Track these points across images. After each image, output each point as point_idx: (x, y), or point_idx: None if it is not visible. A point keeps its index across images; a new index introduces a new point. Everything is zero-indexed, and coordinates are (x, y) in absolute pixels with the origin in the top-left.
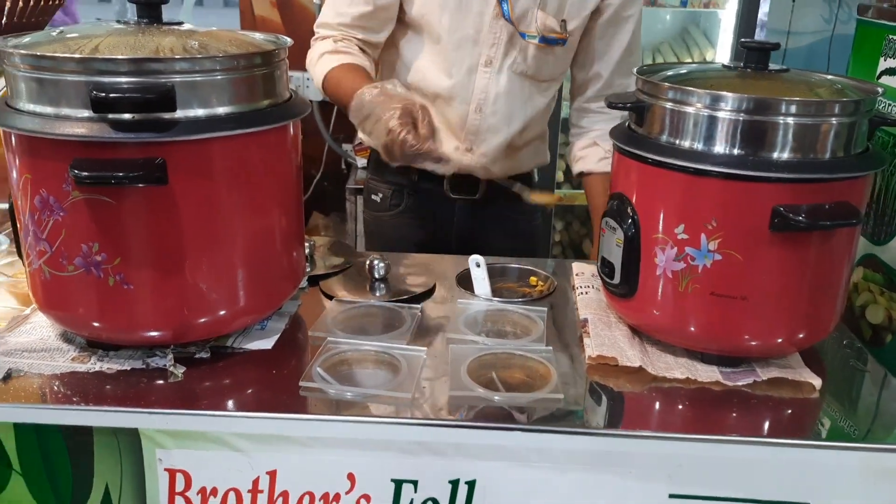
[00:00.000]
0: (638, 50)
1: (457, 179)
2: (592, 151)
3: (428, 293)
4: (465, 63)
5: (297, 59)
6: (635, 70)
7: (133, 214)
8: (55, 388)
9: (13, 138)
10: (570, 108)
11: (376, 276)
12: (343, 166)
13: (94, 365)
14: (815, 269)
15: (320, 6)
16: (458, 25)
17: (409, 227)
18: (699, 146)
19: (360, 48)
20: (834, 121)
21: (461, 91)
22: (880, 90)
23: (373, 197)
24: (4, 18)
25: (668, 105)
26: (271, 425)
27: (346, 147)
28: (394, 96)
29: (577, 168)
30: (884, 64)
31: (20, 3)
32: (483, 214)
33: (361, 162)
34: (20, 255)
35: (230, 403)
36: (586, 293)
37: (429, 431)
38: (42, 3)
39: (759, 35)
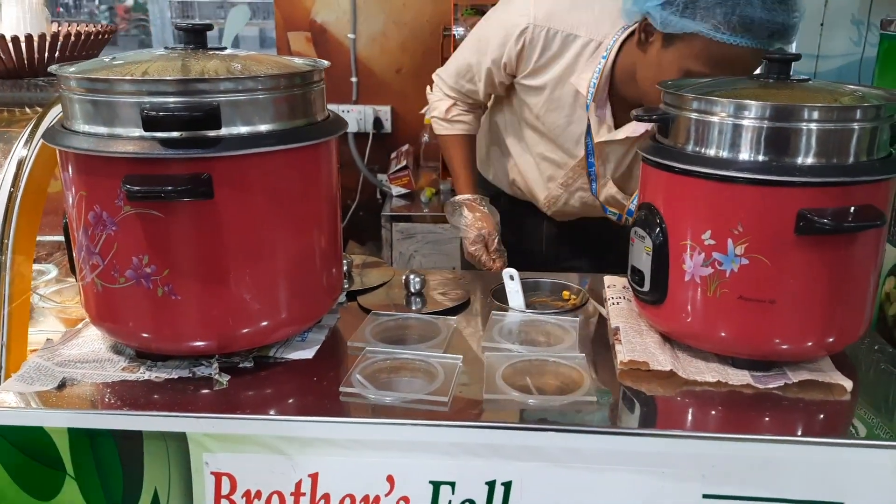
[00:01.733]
0: None
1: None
2: None
3: (463, 306)
4: (546, 172)
5: (333, 94)
6: (659, 84)
7: (181, 227)
8: (106, 395)
9: (69, 158)
10: None
11: (412, 290)
12: (378, 196)
13: (142, 374)
14: (842, 271)
15: (354, 41)
16: (550, 150)
17: (502, 232)
18: (724, 154)
19: (470, 107)
20: (856, 126)
21: (537, 186)
22: None
23: None
24: (57, 52)
25: (693, 115)
26: (313, 428)
27: (381, 177)
28: (475, 217)
29: None
30: None
31: (71, 38)
32: (572, 232)
33: (396, 190)
34: (73, 272)
35: (273, 409)
36: (618, 304)
37: (465, 433)
38: (93, 37)
39: None
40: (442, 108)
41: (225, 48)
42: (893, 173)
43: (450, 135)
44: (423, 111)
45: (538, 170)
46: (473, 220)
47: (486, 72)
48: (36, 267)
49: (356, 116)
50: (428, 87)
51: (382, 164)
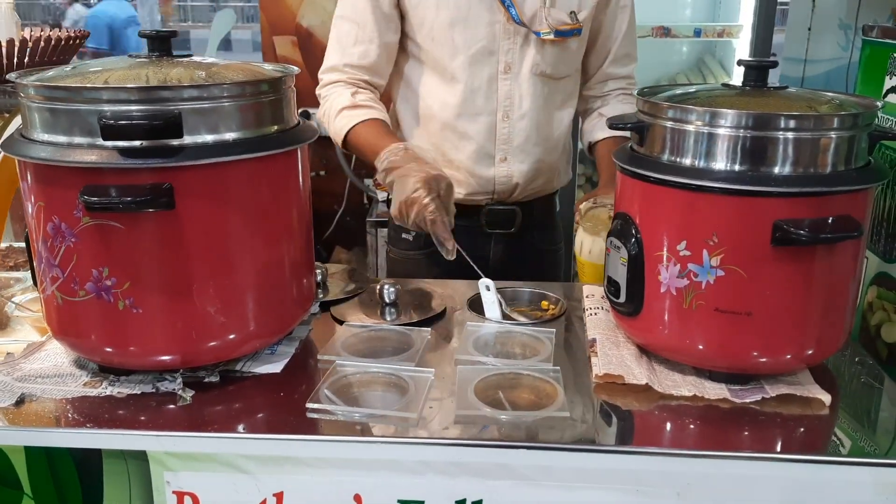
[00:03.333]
0: (634, 34)
1: (493, 214)
2: (597, 122)
3: (438, 316)
4: (484, 75)
5: (317, 98)
6: (636, 92)
7: (142, 239)
8: (66, 412)
9: (28, 167)
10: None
11: (387, 300)
12: (365, 201)
13: (105, 389)
14: (820, 283)
15: None
16: (473, 40)
17: (444, 265)
18: (699, 163)
19: (373, 90)
20: (833, 135)
21: (485, 103)
22: (879, 104)
23: (403, 236)
24: (27, 58)
25: (669, 124)
26: (277, 446)
27: (368, 182)
28: (425, 161)
29: (585, 142)
30: (889, 82)
31: (41, 44)
32: (518, 248)
33: (382, 195)
34: (35, 284)
35: (238, 426)
36: (595, 314)
37: (434, 451)
38: (63, 42)
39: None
40: (346, 95)
41: (191, 55)
42: (872, 183)
43: (364, 120)
44: (318, 114)
45: (472, 86)
46: (419, 167)
47: (370, 5)
48: (13, 275)
49: None
50: (318, 92)
51: (369, 170)
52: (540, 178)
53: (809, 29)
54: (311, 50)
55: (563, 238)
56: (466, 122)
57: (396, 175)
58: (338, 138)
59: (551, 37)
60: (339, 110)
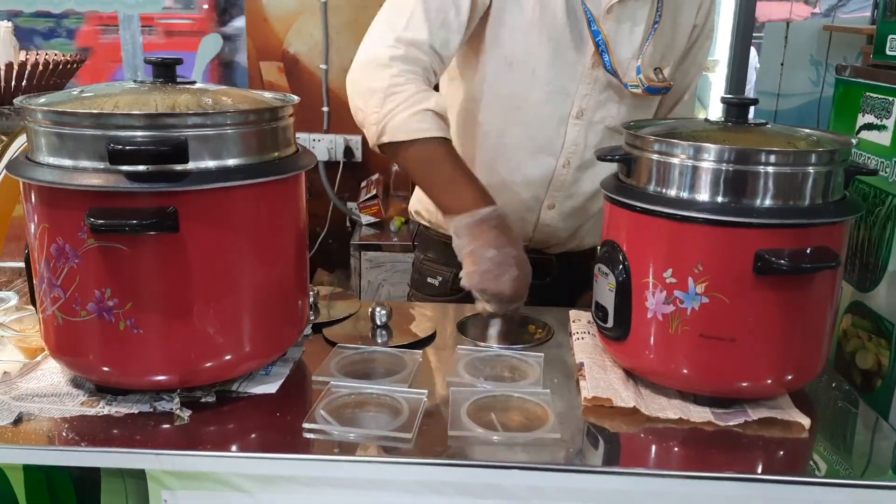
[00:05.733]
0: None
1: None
2: None
3: (428, 339)
4: (554, 115)
5: (305, 123)
6: (622, 125)
7: (145, 261)
8: (64, 430)
9: (32, 189)
10: None
11: (378, 322)
12: (348, 224)
13: (102, 409)
14: (800, 311)
15: (326, 71)
16: (552, 77)
17: None
18: (684, 195)
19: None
20: (811, 170)
21: (549, 144)
22: (854, 141)
23: (429, 280)
24: (24, 81)
25: (655, 157)
26: (275, 466)
27: (351, 205)
28: (510, 257)
29: None
30: (862, 119)
31: (40, 67)
32: (554, 293)
33: (366, 219)
34: (34, 304)
35: (235, 445)
36: (582, 339)
37: (429, 471)
38: (61, 66)
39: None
40: (431, 97)
41: (195, 82)
42: (848, 215)
43: (440, 138)
44: (368, 85)
45: (540, 125)
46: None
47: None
48: None
49: (327, 145)
50: (389, 58)
51: (353, 193)
52: (586, 231)
53: (782, 64)
54: (297, 75)
55: None
56: (526, 158)
57: (483, 266)
58: (394, 133)
59: (639, 91)
60: (422, 108)
